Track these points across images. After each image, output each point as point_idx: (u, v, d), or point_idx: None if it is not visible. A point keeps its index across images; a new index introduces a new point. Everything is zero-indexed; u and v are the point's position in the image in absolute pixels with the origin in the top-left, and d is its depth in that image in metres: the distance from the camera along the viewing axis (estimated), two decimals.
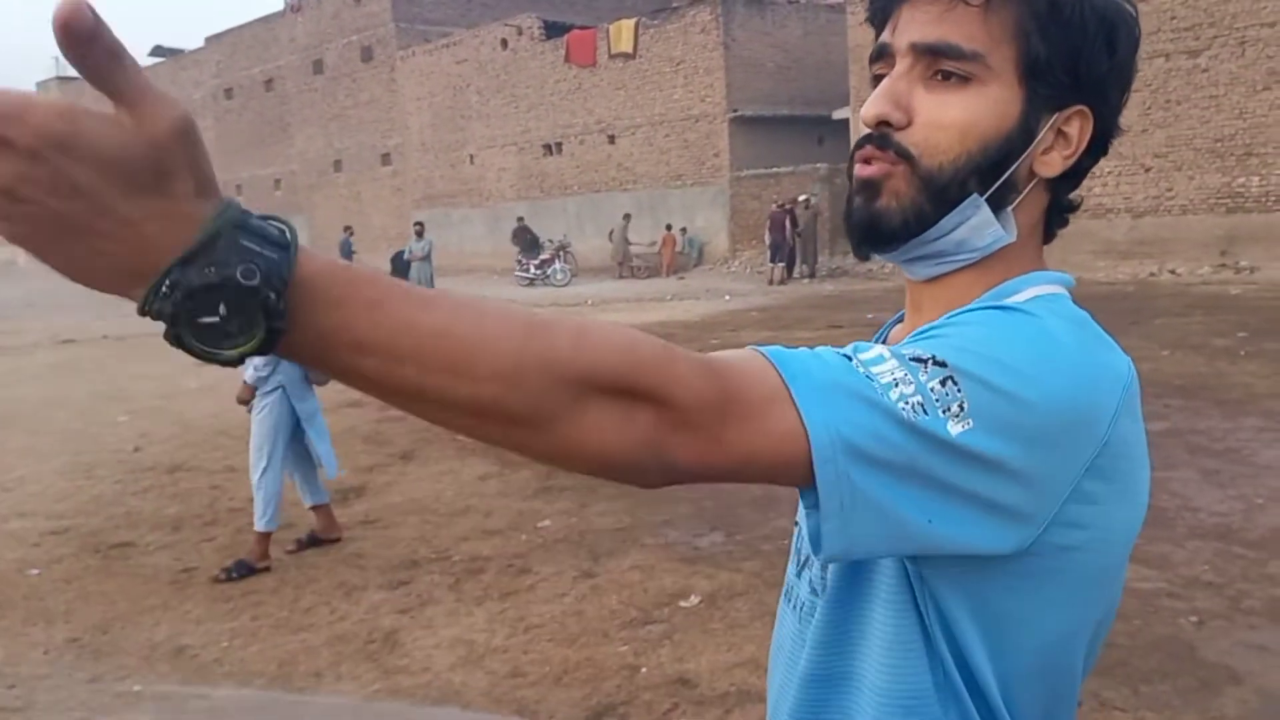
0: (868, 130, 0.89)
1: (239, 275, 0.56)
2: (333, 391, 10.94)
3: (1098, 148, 0.93)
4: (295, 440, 5.40)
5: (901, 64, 0.89)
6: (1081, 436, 0.80)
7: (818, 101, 27.81)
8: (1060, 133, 0.90)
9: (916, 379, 0.75)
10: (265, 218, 0.60)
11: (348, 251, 25.73)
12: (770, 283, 22.65)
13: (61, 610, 4.76)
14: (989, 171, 0.88)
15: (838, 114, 26.05)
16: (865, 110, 0.89)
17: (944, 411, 0.74)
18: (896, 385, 0.74)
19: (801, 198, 23.95)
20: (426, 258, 18.57)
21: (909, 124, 0.87)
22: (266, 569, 5.18)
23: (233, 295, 0.56)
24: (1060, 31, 0.87)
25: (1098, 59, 0.88)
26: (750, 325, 15.05)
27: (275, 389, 5.26)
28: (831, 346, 0.79)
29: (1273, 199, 18.19)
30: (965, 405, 0.75)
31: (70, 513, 6.54)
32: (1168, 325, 11.96)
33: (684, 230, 27.88)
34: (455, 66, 35.85)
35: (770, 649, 1.09)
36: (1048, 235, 0.97)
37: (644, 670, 3.85)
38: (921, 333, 0.84)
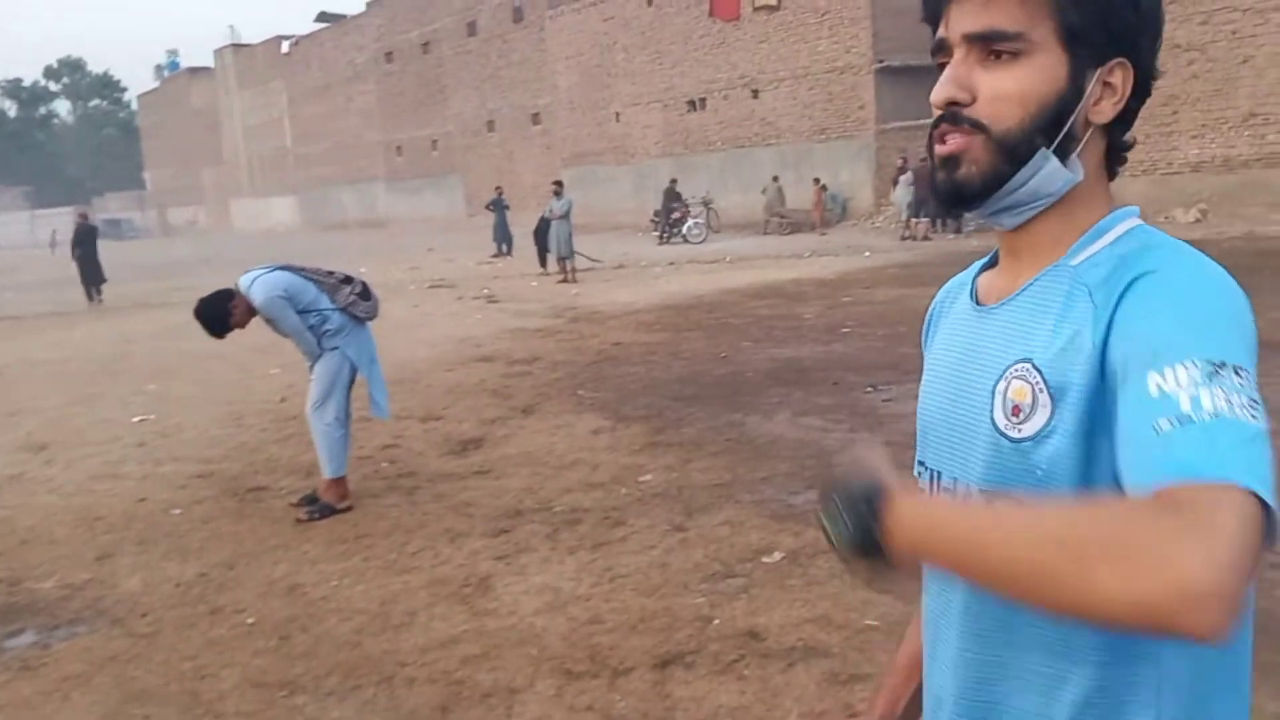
0: (939, 112, 1.04)
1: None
2: (466, 346, 11.42)
3: (1142, 91, 1.05)
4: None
5: (958, 53, 1.03)
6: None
7: None
8: (1106, 84, 1.03)
9: (1246, 395, 0.84)
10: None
11: (501, 208, 26.47)
12: (914, 239, 22.17)
13: (195, 547, 5.21)
14: (1050, 128, 1.01)
15: None
16: (934, 96, 1.04)
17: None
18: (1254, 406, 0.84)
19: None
20: (565, 216, 18.89)
21: (974, 100, 1.02)
22: (349, 508, 5.63)
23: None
24: (1095, 1, 1.00)
25: (1126, 16, 1.01)
26: (886, 282, 14.79)
27: (334, 348, 5.62)
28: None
29: None
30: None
31: (217, 458, 7.08)
32: None
33: (824, 186, 27.38)
34: (602, 24, 36.04)
35: (926, 587, 1.20)
36: (1110, 174, 1.10)
37: (716, 622, 3.95)
38: (1168, 313, 0.90)
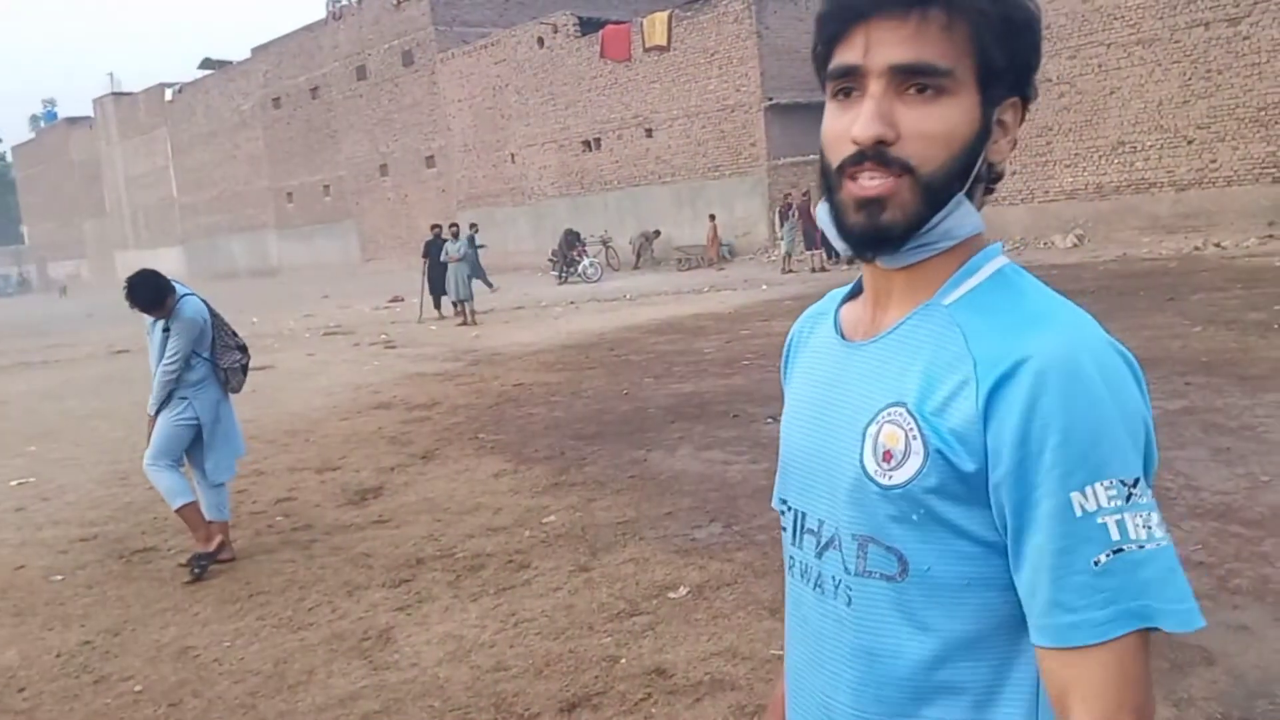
0: (857, 149, 0.97)
1: None
2: (363, 393, 11.20)
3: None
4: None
5: (878, 84, 0.97)
6: None
7: None
8: (1000, 122, 1.02)
9: (1154, 509, 0.93)
10: None
11: (473, 247, 26.26)
12: (793, 272, 22.63)
13: (78, 614, 4.96)
14: (966, 170, 1.00)
15: None
16: (860, 132, 0.96)
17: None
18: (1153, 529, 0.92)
19: None
20: (464, 259, 18.77)
21: (898, 139, 0.96)
22: (231, 559, 5.55)
23: None
24: (1013, 40, 0.98)
25: (1030, 56, 1.01)
26: (783, 314, 15.02)
27: (184, 398, 5.52)
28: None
29: None
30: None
31: (101, 520, 6.78)
32: (1205, 301, 11.73)
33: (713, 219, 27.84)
34: (494, 67, 36.14)
35: (789, 629, 1.18)
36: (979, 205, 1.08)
37: (623, 661, 3.92)
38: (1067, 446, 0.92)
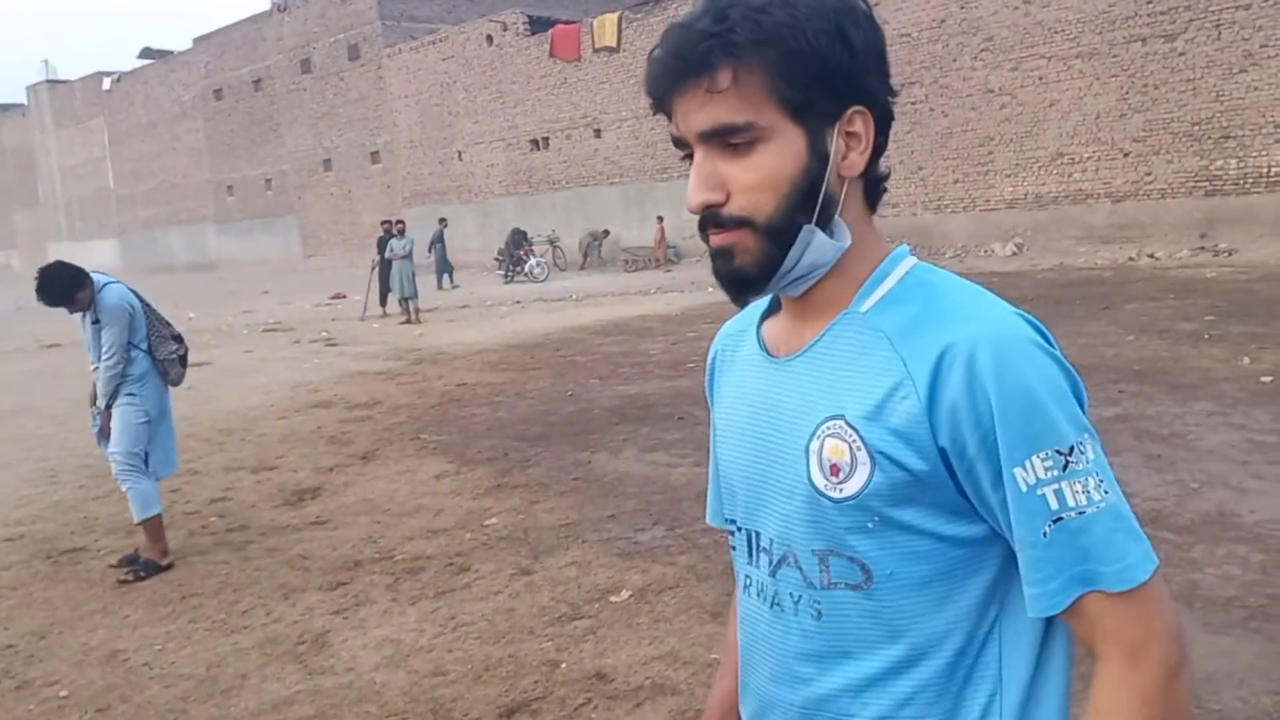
0: (696, 213, 1.03)
1: None
2: (302, 391, 11.03)
3: (884, 124, 1.05)
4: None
5: (698, 152, 1.02)
6: None
7: None
8: (849, 134, 1.02)
9: (1095, 472, 0.98)
10: None
11: (439, 240, 26.16)
12: None
13: (1, 617, 4.81)
14: (806, 202, 1.01)
15: None
16: (690, 200, 1.02)
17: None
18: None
19: None
20: (408, 256, 18.59)
21: (728, 197, 1.01)
22: (170, 565, 5.38)
23: None
24: (801, 69, 0.97)
25: (844, 68, 0.99)
26: (729, 316, 15.02)
27: (130, 394, 5.38)
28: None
29: (1250, 181, 18.20)
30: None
31: (28, 519, 6.59)
32: (1139, 310, 11.99)
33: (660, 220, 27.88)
34: (441, 63, 35.83)
35: (746, 646, 1.19)
36: (872, 210, 1.09)
37: (563, 666, 3.90)
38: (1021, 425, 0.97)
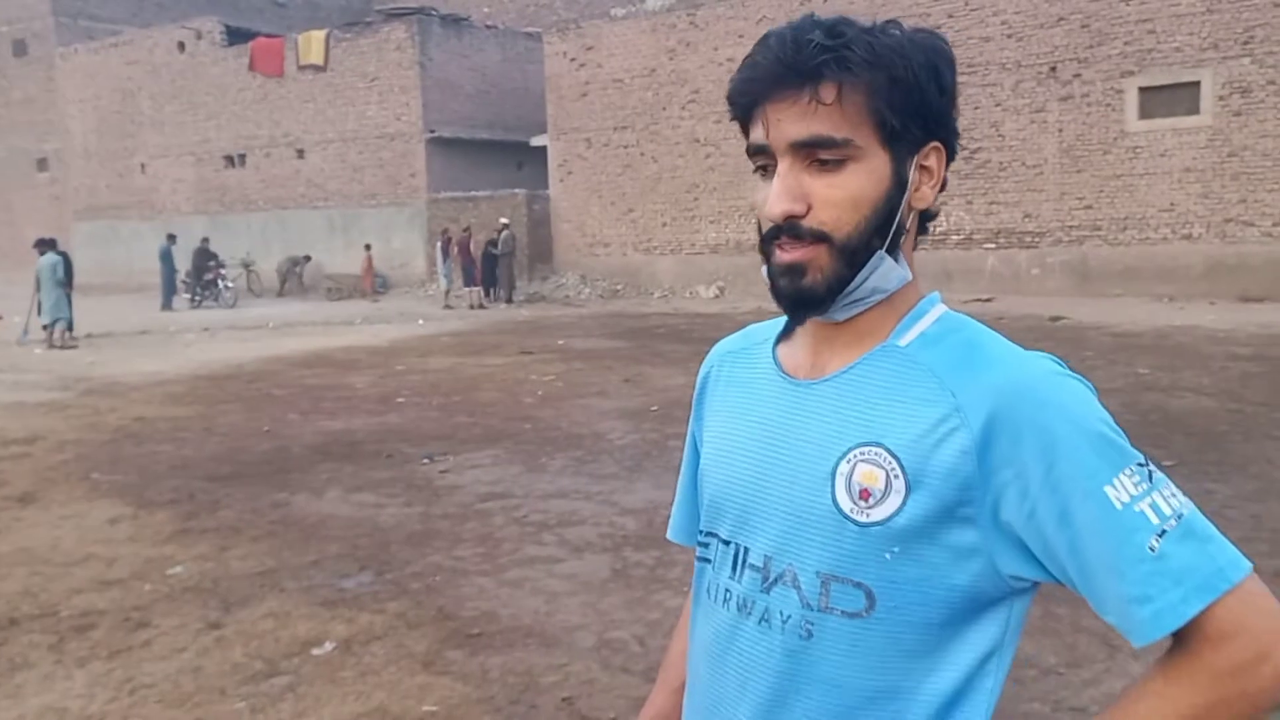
0: (774, 223, 1.04)
1: None
2: None
3: (948, 163, 1.09)
4: None
5: (784, 161, 1.03)
6: None
7: (516, 127, 27.96)
8: (923, 168, 1.06)
9: (1168, 481, 1.00)
10: None
11: (168, 254, 23.87)
12: (452, 309, 22.45)
13: None
14: (884, 226, 1.04)
15: (535, 141, 26.34)
16: (771, 209, 1.03)
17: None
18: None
19: (502, 221, 23.99)
20: (61, 278, 16.81)
21: (809, 209, 1.02)
22: None
23: None
24: (904, 98, 1.01)
25: (936, 103, 1.04)
26: (441, 351, 14.79)
27: None
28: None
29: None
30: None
31: None
32: None
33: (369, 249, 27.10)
34: (125, 68, 33.09)
35: (699, 659, 1.18)
36: (914, 244, 1.12)
37: None
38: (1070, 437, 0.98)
